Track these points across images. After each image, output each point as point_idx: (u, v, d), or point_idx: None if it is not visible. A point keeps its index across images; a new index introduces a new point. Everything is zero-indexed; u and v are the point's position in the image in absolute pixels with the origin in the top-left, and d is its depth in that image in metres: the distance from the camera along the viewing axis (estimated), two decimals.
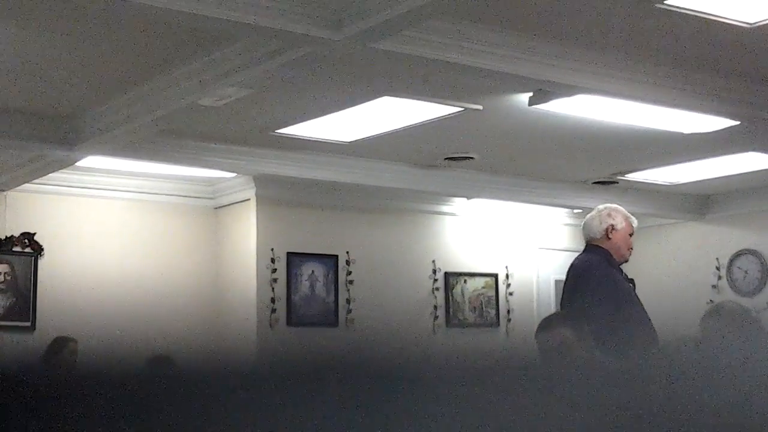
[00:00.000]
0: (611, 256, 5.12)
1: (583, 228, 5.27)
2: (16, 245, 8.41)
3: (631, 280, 5.16)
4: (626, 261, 5.23)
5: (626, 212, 5.27)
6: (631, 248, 5.25)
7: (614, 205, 5.30)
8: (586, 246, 5.22)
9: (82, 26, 5.30)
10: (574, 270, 5.09)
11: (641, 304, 4.99)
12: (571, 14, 5.22)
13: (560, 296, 5.25)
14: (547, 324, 4.06)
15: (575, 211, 10.66)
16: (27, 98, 6.64)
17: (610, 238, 5.14)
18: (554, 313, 5.24)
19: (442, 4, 4.59)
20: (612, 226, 5.16)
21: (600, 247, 5.14)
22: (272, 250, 8.95)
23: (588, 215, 5.27)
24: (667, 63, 6.03)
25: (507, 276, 10.42)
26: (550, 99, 6.38)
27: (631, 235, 5.23)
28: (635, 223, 5.31)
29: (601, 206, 5.27)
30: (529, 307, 10.47)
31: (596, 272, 5.01)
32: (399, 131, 7.40)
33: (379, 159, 8.51)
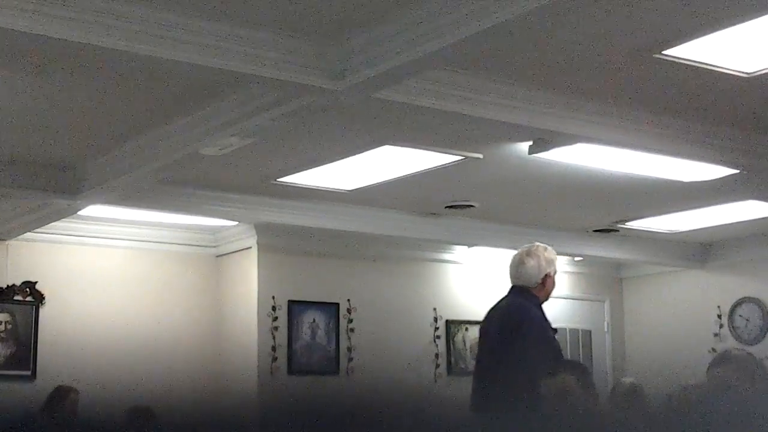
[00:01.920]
0: (540, 301, 5.00)
1: (517, 272, 5.05)
2: (18, 294, 8.41)
3: (555, 330, 5.05)
4: (547, 301, 5.10)
5: (553, 251, 5.14)
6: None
7: (548, 248, 5.13)
8: (513, 287, 5.05)
9: (85, 77, 5.33)
10: (509, 315, 4.90)
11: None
12: (571, 64, 5.26)
13: (483, 334, 5.06)
14: (551, 371, 4.05)
15: (576, 259, 10.66)
16: (29, 148, 6.67)
17: (544, 285, 5.02)
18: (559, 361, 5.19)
19: (444, 55, 4.63)
20: (549, 273, 5.04)
21: (530, 291, 4.98)
22: (273, 297, 8.94)
23: (518, 258, 5.07)
24: (667, 112, 6.06)
25: None
26: (550, 148, 6.40)
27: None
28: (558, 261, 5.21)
29: (534, 249, 5.07)
30: None
31: (537, 322, 4.86)
32: (400, 180, 7.42)
33: (380, 207, 8.52)
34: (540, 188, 7.88)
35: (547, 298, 5.05)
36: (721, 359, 4.35)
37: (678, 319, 10.62)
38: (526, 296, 4.97)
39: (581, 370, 4.14)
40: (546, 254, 5.05)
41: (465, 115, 5.44)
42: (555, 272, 5.06)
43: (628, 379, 6.14)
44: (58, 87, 5.50)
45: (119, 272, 8.89)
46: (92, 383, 7.94)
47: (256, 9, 4.57)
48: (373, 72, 4.83)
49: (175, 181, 7.37)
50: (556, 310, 10.69)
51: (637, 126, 6.06)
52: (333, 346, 9.27)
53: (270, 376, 8.82)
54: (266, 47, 4.78)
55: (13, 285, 8.40)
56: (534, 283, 4.98)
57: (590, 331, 10.97)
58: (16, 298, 8.40)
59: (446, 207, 8.55)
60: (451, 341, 9.95)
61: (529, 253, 5.03)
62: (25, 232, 8.28)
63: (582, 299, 11.01)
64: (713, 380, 4.17)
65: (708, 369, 4.27)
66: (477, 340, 10.02)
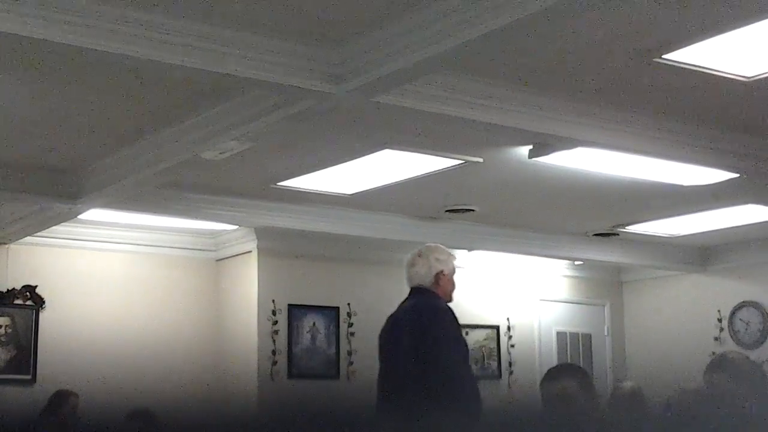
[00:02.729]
0: (444, 300, 4.93)
1: (408, 274, 5.04)
2: (18, 298, 8.41)
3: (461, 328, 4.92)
4: (451, 301, 4.99)
5: (449, 251, 5.09)
6: (455, 287, 5.06)
7: (438, 247, 5.08)
8: (412, 290, 5.00)
9: (85, 81, 5.34)
10: (418, 315, 4.82)
11: None
12: (571, 68, 5.27)
13: (389, 340, 4.93)
14: (552, 374, 4.05)
15: (576, 262, 10.67)
16: (29, 152, 6.68)
17: (439, 284, 4.96)
18: (560, 364, 5.19)
19: (443, 59, 4.64)
20: (441, 271, 4.97)
21: (430, 291, 4.93)
22: (273, 301, 8.94)
23: (410, 258, 5.06)
24: (667, 116, 6.06)
25: (508, 328, 10.39)
26: (550, 152, 6.41)
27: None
28: (456, 260, 5.13)
29: (425, 249, 5.05)
30: (531, 359, 10.43)
31: (446, 320, 4.78)
32: (400, 184, 7.43)
33: (380, 211, 8.53)
34: (540, 192, 7.88)
35: (449, 298, 4.96)
36: (718, 363, 4.35)
37: (678, 322, 10.62)
38: (428, 296, 4.93)
39: (581, 373, 4.13)
40: (436, 254, 5.01)
41: (465, 119, 5.45)
42: (451, 271, 5.00)
43: (628, 383, 6.13)
44: (59, 91, 5.51)
45: (119, 276, 8.89)
46: (92, 387, 7.94)
47: (256, 13, 4.58)
48: (373, 76, 4.84)
49: (176, 185, 7.38)
50: (557, 313, 10.77)
51: (637, 130, 6.06)
52: (333, 350, 9.27)
53: (270, 380, 8.81)
54: (266, 51, 4.79)
55: (14, 289, 8.40)
56: (428, 283, 4.94)
57: (590, 335, 10.97)
58: (16, 301, 8.40)
59: (446, 211, 8.56)
60: None
61: (419, 254, 5.02)
62: (26, 236, 8.29)
63: (582, 303, 11.02)
64: (710, 384, 4.17)
65: (705, 373, 4.27)
66: (477, 344, 10.13)
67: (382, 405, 4.81)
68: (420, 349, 4.69)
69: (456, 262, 5.07)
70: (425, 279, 4.96)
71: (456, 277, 5.02)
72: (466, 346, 4.89)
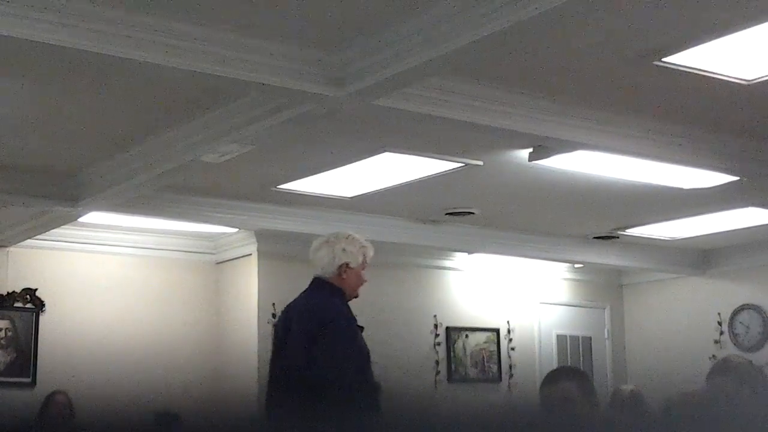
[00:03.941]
0: (344, 294, 4.53)
1: (311, 258, 4.60)
2: (18, 301, 8.41)
3: (361, 327, 4.57)
4: (357, 297, 4.61)
5: (363, 242, 4.63)
6: (365, 282, 4.63)
7: (349, 235, 4.64)
8: (314, 280, 4.58)
9: (85, 84, 5.35)
10: (312, 312, 4.44)
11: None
12: (571, 71, 5.27)
13: (277, 334, 4.54)
14: (551, 378, 4.04)
15: (576, 265, 10.67)
16: (29, 155, 6.68)
17: (343, 277, 4.53)
18: (559, 367, 5.15)
19: (443, 62, 4.64)
20: (347, 264, 4.54)
21: (332, 284, 4.52)
22: (273, 305, 8.92)
23: (316, 243, 4.63)
24: (667, 119, 6.07)
25: (509, 331, 10.39)
26: (550, 155, 6.41)
27: (365, 269, 4.59)
28: (372, 252, 4.66)
29: (333, 236, 4.62)
30: (531, 362, 10.43)
31: (341, 320, 4.42)
32: (400, 187, 7.43)
33: (380, 214, 8.52)
34: (540, 195, 7.88)
35: (352, 294, 4.57)
36: (721, 367, 4.35)
37: (678, 325, 10.62)
38: (328, 290, 4.52)
39: (581, 376, 4.12)
40: (343, 243, 4.56)
41: (465, 122, 5.45)
42: (360, 265, 4.56)
43: (628, 386, 6.13)
44: (59, 94, 5.51)
45: (120, 279, 8.89)
46: (92, 389, 7.93)
47: (256, 17, 4.58)
48: (373, 79, 4.84)
49: (176, 188, 7.38)
50: (557, 316, 10.76)
51: (637, 133, 6.07)
52: None
53: None
54: (266, 55, 4.79)
55: (14, 292, 8.40)
56: (330, 273, 4.52)
57: (590, 338, 10.97)
58: (16, 304, 8.40)
59: (446, 214, 8.56)
60: (451, 348, 9.95)
61: (327, 241, 4.60)
62: (26, 239, 8.29)
63: (582, 306, 11.02)
64: (713, 388, 4.16)
65: (708, 377, 4.26)
66: (477, 347, 10.13)
67: (269, 400, 4.50)
68: (311, 348, 4.32)
69: (370, 255, 4.61)
70: (327, 269, 4.54)
71: (367, 272, 4.58)
72: (362, 351, 4.45)
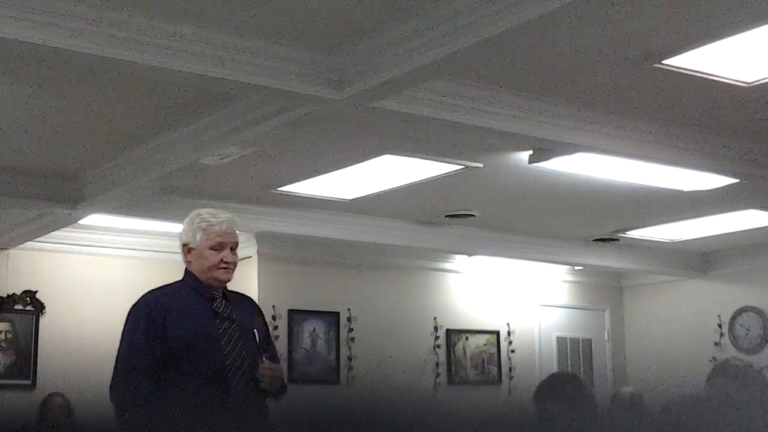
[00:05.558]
0: (197, 278, 4.13)
1: None
2: (18, 303, 8.40)
3: (263, 316, 4.23)
4: (223, 281, 4.08)
5: (204, 217, 4.08)
6: (226, 262, 4.03)
7: (195, 213, 4.13)
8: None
9: (85, 87, 5.35)
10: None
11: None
12: (571, 74, 5.27)
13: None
14: (545, 386, 4.04)
15: (576, 268, 10.67)
16: (30, 157, 6.68)
17: (189, 260, 4.13)
18: (558, 372, 5.15)
19: (443, 65, 4.64)
20: (186, 245, 4.10)
21: (185, 268, 4.12)
22: (274, 307, 8.93)
23: None
24: (666, 122, 6.07)
25: (509, 333, 10.39)
26: (550, 157, 6.41)
27: (216, 247, 4.03)
28: (224, 226, 4.03)
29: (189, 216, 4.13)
30: (531, 364, 10.43)
31: (132, 311, 4.14)
32: (400, 189, 7.43)
33: (380, 216, 8.53)
34: (540, 197, 7.89)
35: (207, 277, 4.08)
36: (721, 369, 4.35)
37: (678, 328, 10.62)
38: (185, 274, 4.18)
39: (574, 381, 4.11)
40: (187, 221, 4.11)
41: (465, 124, 5.45)
42: (201, 244, 4.05)
43: (628, 388, 6.14)
44: (59, 97, 5.51)
45: (120, 281, 8.88)
46: (92, 391, 7.92)
47: (256, 19, 4.58)
48: (373, 82, 4.84)
49: (176, 190, 7.38)
50: (557, 318, 10.76)
51: (637, 135, 6.07)
52: (333, 355, 9.26)
53: None
54: (267, 57, 4.79)
55: (14, 294, 8.40)
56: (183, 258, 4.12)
57: (590, 340, 10.97)
58: (16, 307, 8.39)
59: (446, 216, 8.56)
60: (451, 350, 9.95)
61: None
62: (26, 241, 8.29)
63: (582, 308, 11.02)
64: (712, 390, 4.17)
65: (708, 379, 4.27)
66: (477, 349, 10.12)
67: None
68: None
69: (215, 230, 4.02)
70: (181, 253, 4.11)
71: (215, 251, 4.04)
72: (139, 349, 4.14)
